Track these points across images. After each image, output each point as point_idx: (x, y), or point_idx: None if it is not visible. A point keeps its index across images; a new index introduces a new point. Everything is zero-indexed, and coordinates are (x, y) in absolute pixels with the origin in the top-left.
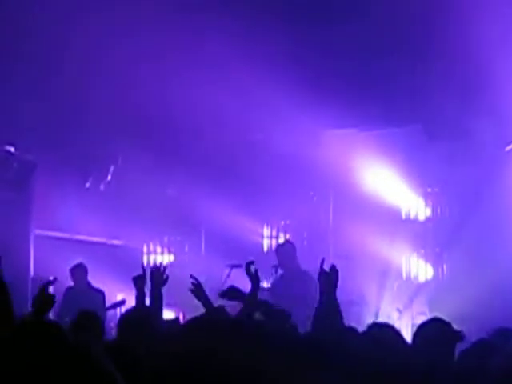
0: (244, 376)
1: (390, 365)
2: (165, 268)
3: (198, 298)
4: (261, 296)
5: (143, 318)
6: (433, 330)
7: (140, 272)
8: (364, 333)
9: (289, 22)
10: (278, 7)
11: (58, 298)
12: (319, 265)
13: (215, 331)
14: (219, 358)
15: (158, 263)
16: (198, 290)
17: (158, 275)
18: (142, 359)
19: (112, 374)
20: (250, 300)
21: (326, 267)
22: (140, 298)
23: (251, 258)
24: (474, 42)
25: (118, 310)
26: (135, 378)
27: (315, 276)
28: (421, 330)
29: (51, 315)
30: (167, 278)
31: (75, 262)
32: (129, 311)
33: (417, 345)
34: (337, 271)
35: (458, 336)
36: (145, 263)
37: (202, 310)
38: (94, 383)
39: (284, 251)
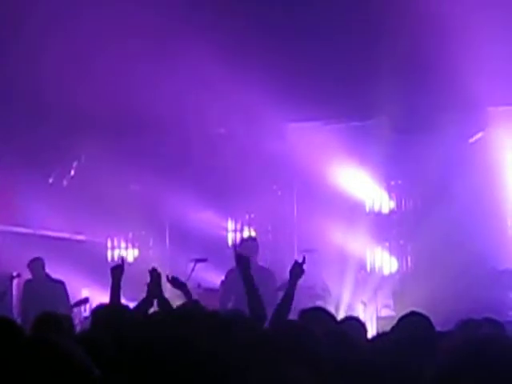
0: (212, 366)
1: (354, 360)
2: (123, 260)
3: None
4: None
5: (116, 310)
6: (413, 324)
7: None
8: (333, 326)
9: (251, 14)
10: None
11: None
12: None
13: (187, 322)
14: (189, 348)
15: (119, 259)
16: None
17: (118, 269)
18: (115, 349)
19: (82, 364)
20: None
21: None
22: (115, 288)
23: (216, 253)
24: (440, 36)
25: (81, 307)
26: (110, 369)
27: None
28: (401, 323)
29: (15, 311)
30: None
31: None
32: (102, 306)
33: (395, 337)
34: (301, 265)
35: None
36: (109, 258)
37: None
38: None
39: (246, 246)
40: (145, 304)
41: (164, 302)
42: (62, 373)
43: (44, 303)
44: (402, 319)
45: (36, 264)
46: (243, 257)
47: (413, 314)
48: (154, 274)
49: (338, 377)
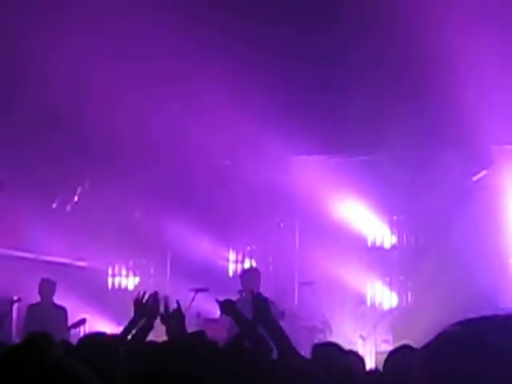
0: None
1: None
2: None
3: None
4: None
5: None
6: (401, 358)
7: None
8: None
9: (257, 46)
10: (247, 31)
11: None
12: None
13: (177, 356)
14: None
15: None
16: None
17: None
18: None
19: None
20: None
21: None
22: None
23: (217, 283)
24: (446, 75)
25: (79, 329)
26: None
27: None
28: (390, 358)
29: (14, 334)
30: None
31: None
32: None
33: (386, 372)
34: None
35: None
36: (109, 285)
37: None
38: None
39: (248, 277)
40: (143, 329)
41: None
42: None
43: (45, 328)
44: (391, 354)
45: (48, 285)
46: (226, 304)
47: (403, 347)
48: (154, 298)
49: None
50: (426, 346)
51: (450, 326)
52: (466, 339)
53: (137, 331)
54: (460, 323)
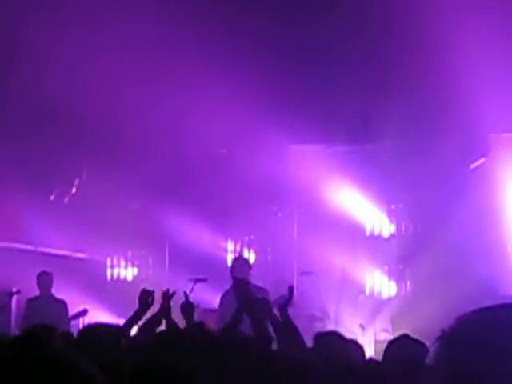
0: None
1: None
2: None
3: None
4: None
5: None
6: (401, 348)
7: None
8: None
9: (255, 37)
10: (245, 21)
11: (21, 310)
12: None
13: (176, 347)
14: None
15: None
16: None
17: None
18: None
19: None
20: (236, 317)
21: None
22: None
23: (216, 273)
24: (444, 63)
25: (80, 320)
26: None
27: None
28: (389, 348)
29: (13, 326)
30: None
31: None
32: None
33: (385, 362)
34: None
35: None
36: (108, 277)
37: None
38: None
39: (237, 265)
40: (154, 322)
41: (172, 323)
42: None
43: (45, 322)
44: (391, 343)
45: (45, 278)
46: (242, 282)
47: (403, 337)
48: (167, 296)
49: None
50: (446, 342)
51: (465, 318)
52: (487, 333)
53: (148, 325)
54: (474, 315)
